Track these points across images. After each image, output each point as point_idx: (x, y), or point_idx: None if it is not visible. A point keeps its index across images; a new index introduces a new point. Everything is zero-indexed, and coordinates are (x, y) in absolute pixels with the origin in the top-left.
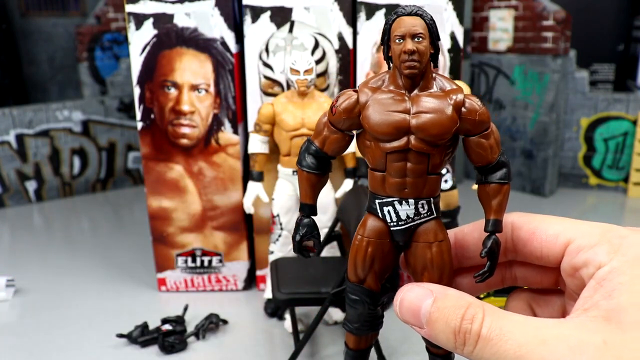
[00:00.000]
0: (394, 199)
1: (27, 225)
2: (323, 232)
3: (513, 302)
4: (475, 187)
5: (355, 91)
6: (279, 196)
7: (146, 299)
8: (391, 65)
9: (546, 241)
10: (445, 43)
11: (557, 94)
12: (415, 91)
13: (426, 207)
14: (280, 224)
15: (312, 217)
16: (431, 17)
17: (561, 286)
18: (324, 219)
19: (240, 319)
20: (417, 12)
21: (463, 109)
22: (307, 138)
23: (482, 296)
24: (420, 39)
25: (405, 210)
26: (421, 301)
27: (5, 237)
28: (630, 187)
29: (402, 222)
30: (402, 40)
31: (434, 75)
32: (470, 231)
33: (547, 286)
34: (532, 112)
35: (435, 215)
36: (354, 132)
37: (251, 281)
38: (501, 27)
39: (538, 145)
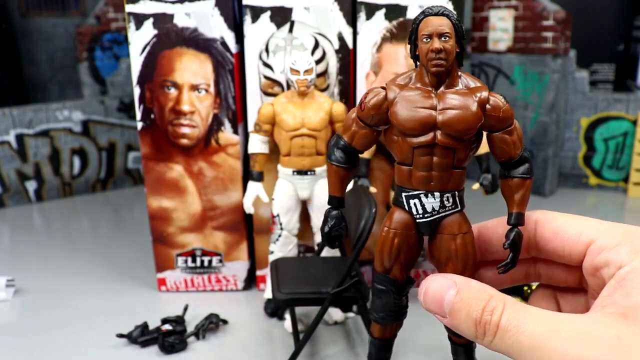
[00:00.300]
0: (420, 192)
1: (27, 225)
2: None
3: (538, 295)
4: (475, 187)
5: (384, 88)
6: (279, 196)
7: (146, 299)
8: (418, 63)
9: (569, 240)
10: None
11: (557, 94)
12: (442, 88)
13: (451, 200)
14: (280, 224)
15: (341, 209)
16: (457, 17)
17: (584, 285)
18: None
19: (240, 319)
20: (444, 12)
21: (487, 106)
22: (336, 134)
23: None
24: (447, 38)
25: (431, 203)
26: (445, 291)
27: (5, 237)
28: (631, 187)
29: (428, 215)
30: (429, 39)
31: (459, 73)
32: (494, 226)
33: (571, 284)
34: (532, 112)
35: (459, 208)
36: (381, 127)
37: (251, 281)
38: (501, 27)
39: (538, 145)
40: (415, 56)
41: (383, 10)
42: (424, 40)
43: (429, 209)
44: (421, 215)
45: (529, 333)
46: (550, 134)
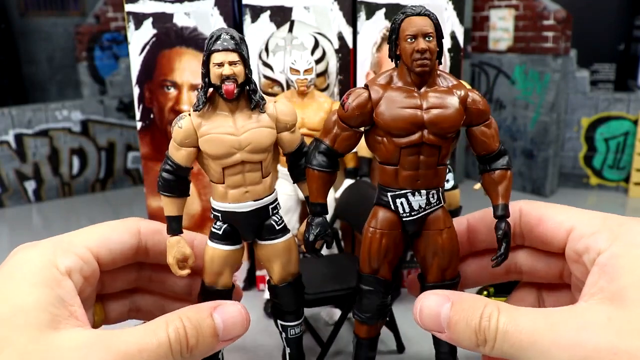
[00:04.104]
0: (407, 190)
1: (26, 226)
2: None
3: (521, 293)
4: (477, 187)
5: (365, 88)
6: (279, 196)
7: None
8: (398, 63)
9: (552, 227)
10: (445, 43)
11: (557, 94)
12: (424, 88)
13: (436, 196)
14: None
15: (324, 216)
16: (436, 17)
17: (566, 279)
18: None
19: None
20: (426, 13)
21: (468, 101)
22: (315, 138)
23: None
24: (430, 38)
25: (418, 200)
26: (440, 306)
27: (4, 238)
28: (631, 187)
29: (415, 213)
30: (414, 39)
31: (438, 72)
32: (481, 217)
33: (552, 279)
34: (533, 111)
35: (442, 203)
36: (362, 128)
37: (251, 282)
38: (502, 26)
39: (539, 145)
40: (396, 56)
41: (383, 10)
42: (409, 40)
43: (415, 207)
44: (408, 214)
45: (527, 331)
46: (551, 134)
